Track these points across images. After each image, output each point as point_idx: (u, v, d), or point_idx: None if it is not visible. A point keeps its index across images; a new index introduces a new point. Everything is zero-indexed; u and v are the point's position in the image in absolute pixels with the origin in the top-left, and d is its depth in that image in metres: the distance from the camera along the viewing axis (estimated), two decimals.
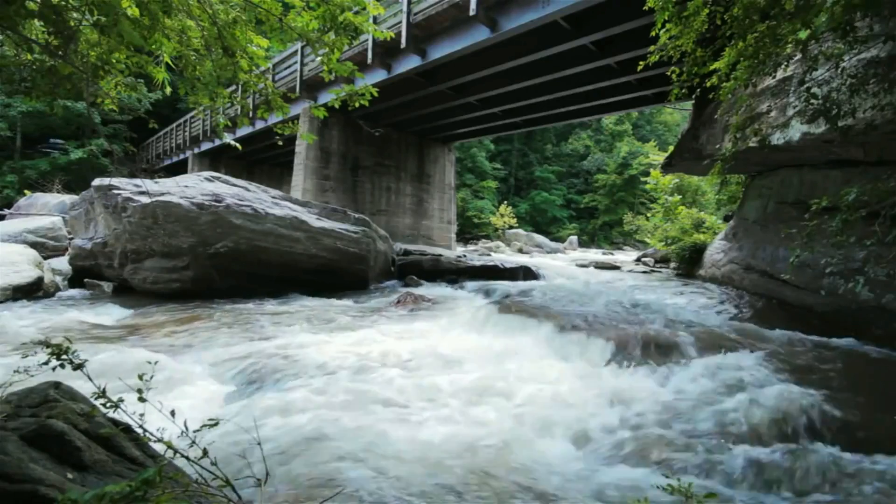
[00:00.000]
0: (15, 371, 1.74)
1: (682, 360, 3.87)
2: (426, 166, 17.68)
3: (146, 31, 3.16)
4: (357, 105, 3.90)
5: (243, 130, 16.07)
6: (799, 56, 3.87)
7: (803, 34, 3.12)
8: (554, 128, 44.58)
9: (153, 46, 3.41)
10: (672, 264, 11.45)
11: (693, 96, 7.11)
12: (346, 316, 6.02)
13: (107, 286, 7.88)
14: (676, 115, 45.54)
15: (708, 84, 4.52)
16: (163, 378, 3.38)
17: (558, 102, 12.51)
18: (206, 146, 22.59)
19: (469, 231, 34.72)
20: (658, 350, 4.03)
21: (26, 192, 18.70)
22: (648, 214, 20.20)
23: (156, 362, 2.06)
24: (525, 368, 3.96)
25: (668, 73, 5.08)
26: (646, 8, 4.80)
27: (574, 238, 29.95)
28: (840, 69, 3.73)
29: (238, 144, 5.50)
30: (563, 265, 12.41)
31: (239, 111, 4.42)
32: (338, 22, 3.40)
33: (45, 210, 14.73)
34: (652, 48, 5.06)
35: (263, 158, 24.13)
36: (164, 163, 26.90)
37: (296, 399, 3.19)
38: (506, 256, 17.70)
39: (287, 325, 5.40)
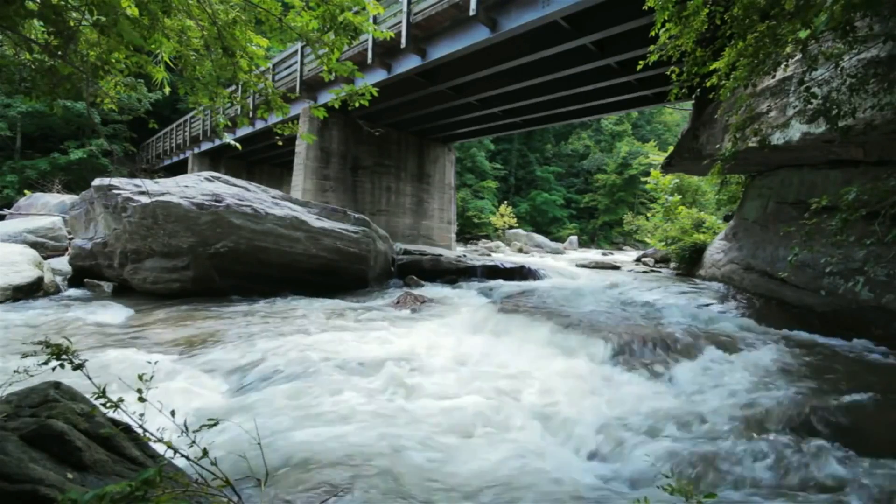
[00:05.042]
0: (15, 371, 1.74)
1: (681, 359, 3.87)
2: (426, 166, 17.67)
3: (146, 30, 3.16)
4: (357, 105, 3.90)
5: (243, 130, 16.07)
6: (799, 56, 3.87)
7: (803, 34, 3.12)
8: (554, 128, 44.57)
9: (153, 46, 3.40)
10: (672, 264, 11.45)
11: (693, 96, 7.11)
12: (345, 316, 6.02)
13: (107, 286, 7.88)
14: (676, 115, 45.53)
15: (708, 84, 4.52)
16: (163, 378, 3.39)
17: (558, 102, 12.51)
18: (206, 146, 22.58)
19: (469, 231, 34.72)
20: (658, 349, 4.03)
21: (26, 192, 18.71)
22: (648, 214, 20.20)
23: (156, 362, 2.06)
24: (525, 368, 3.96)
25: (668, 73, 5.08)
26: (646, 8, 4.80)
27: (574, 238, 29.95)
28: (840, 69, 3.73)
29: (238, 144, 5.49)
30: (563, 265, 12.42)
31: (239, 111, 4.42)
32: (337, 22, 3.40)
33: (45, 210, 14.73)
34: (652, 48, 5.06)
35: (263, 158, 24.12)
36: (164, 163, 26.89)
37: (295, 399, 3.19)
38: (506, 256, 17.70)
39: (287, 326, 5.40)
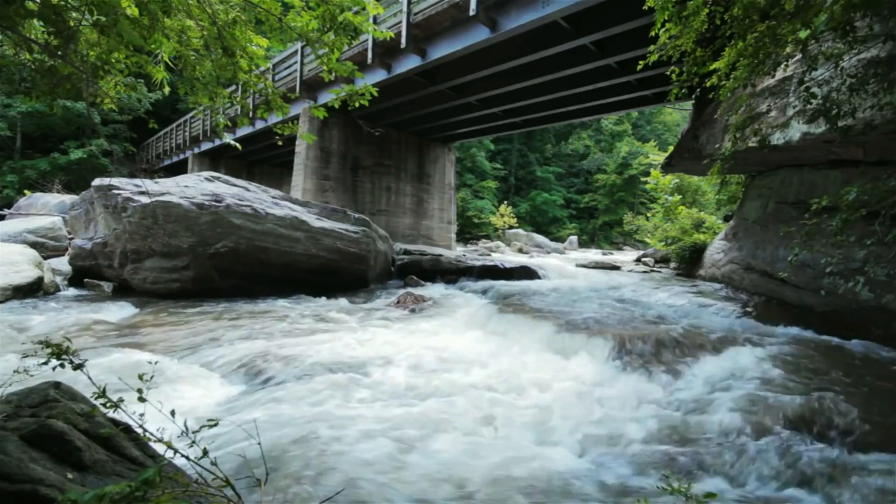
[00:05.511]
0: (15, 371, 1.74)
1: (681, 359, 3.87)
2: (426, 166, 17.67)
3: (146, 30, 3.16)
4: (357, 105, 3.90)
5: (243, 130, 16.07)
6: (799, 56, 3.87)
7: (803, 34, 3.12)
8: (554, 128, 44.58)
9: (153, 46, 3.40)
10: (672, 264, 11.45)
11: (693, 96, 7.11)
12: (345, 316, 6.02)
13: (107, 286, 7.88)
14: (676, 115, 45.53)
15: (708, 84, 4.52)
16: (163, 378, 3.39)
17: (558, 102, 12.51)
18: (206, 146, 22.58)
19: (469, 231, 34.72)
20: (658, 349, 4.03)
21: (26, 192, 18.72)
22: (648, 214, 20.21)
23: (156, 362, 2.06)
24: (524, 368, 3.96)
25: (668, 73, 5.08)
26: (646, 8, 4.81)
27: (574, 238, 29.95)
28: (840, 69, 3.73)
29: (238, 144, 5.50)
30: (563, 265, 12.41)
31: (239, 111, 4.42)
32: (337, 22, 3.40)
33: (45, 210, 14.74)
34: (652, 48, 5.06)
35: (263, 158, 24.12)
36: (164, 163, 26.88)
37: (295, 399, 3.19)
38: (505, 256, 17.69)
39: (287, 326, 5.40)
